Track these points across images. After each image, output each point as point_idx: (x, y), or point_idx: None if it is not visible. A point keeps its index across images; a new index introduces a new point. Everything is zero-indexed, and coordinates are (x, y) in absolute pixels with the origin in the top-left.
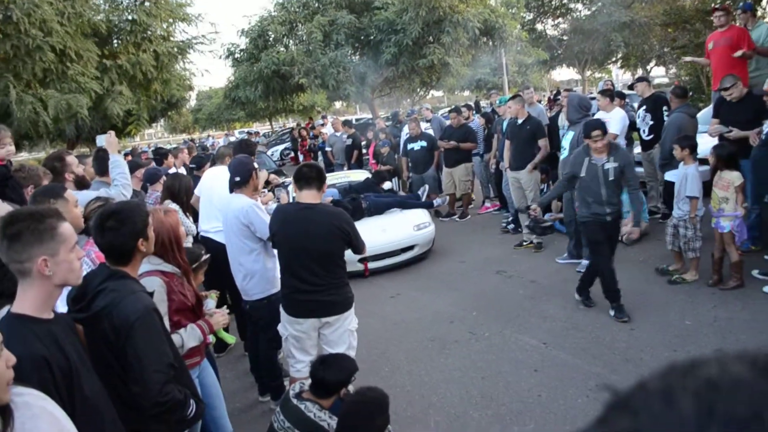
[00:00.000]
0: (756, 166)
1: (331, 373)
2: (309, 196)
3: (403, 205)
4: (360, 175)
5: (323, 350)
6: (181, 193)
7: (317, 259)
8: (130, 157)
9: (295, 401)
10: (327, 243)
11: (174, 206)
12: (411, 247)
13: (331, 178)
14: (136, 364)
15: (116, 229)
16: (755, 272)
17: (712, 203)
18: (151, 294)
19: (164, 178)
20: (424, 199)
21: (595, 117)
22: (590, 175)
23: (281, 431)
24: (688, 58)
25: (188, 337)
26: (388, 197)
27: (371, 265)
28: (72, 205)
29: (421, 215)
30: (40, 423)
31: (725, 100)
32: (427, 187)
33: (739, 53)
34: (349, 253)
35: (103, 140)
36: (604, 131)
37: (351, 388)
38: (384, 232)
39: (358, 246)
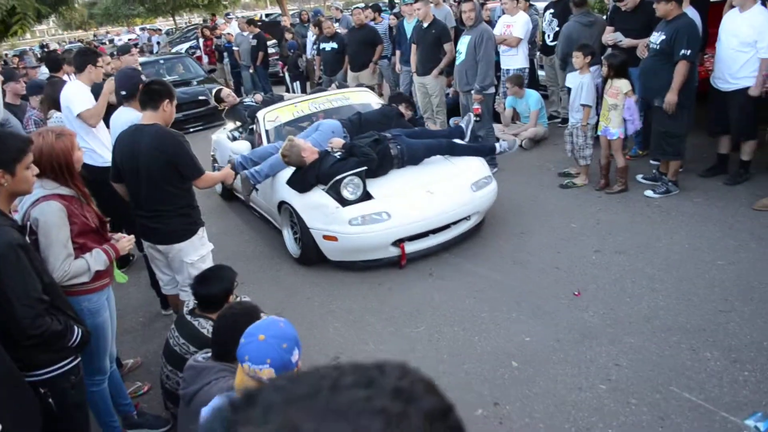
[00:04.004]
0: (644, 75)
1: (210, 287)
2: (147, 117)
3: (451, 150)
4: (364, 97)
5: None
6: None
7: (147, 183)
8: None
9: (188, 317)
10: (151, 166)
11: (59, 116)
12: (466, 217)
13: (325, 100)
14: (2, 299)
15: None
16: (639, 177)
17: (602, 110)
18: (21, 228)
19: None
20: (468, 131)
21: (500, 20)
22: None
23: (176, 347)
24: None
25: (94, 261)
26: (425, 137)
27: (410, 248)
28: None
29: (479, 166)
30: None
31: (620, 9)
32: (471, 116)
33: None
34: (383, 236)
35: None
36: None
37: (248, 298)
38: (430, 195)
39: (189, 173)
